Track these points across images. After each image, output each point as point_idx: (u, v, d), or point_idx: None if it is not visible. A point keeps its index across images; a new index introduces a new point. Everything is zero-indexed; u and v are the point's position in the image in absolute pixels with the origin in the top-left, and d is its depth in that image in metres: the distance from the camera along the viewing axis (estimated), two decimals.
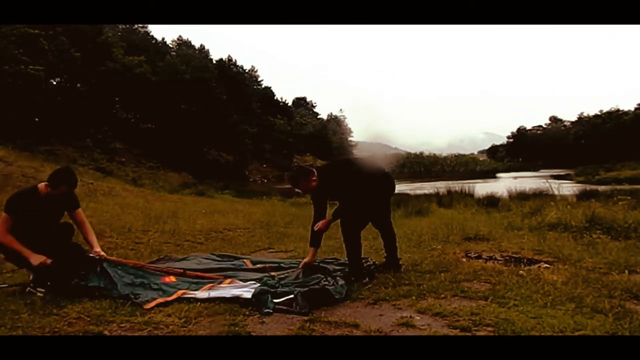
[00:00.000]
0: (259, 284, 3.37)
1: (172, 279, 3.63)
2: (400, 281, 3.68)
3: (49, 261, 3.29)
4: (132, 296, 3.16)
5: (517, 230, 6.62)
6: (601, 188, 13.42)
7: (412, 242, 5.62)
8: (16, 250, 3.28)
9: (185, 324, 2.69)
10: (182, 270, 3.82)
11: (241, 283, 3.55)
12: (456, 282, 3.70)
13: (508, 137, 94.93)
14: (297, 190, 4.02)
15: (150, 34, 56.17)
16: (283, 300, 3.07)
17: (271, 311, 2.96)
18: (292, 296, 3.09)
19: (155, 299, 3.17)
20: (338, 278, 3.51)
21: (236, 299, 3.13)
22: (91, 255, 3.50)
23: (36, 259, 3.27)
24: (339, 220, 3.88)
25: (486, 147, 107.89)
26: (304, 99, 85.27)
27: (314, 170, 3.91)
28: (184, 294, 3.27)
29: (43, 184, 3.43)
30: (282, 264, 4.22)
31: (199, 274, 3.83)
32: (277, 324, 2.74)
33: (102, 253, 3.56)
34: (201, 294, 3.27)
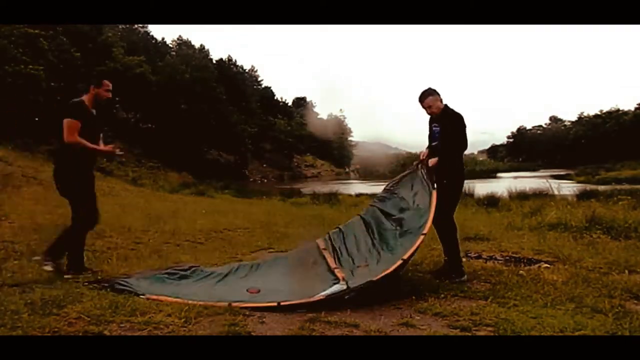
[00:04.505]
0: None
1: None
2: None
3: (118, 151, 3.85)
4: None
5: (517, 230, 6.62)
6: (601, 188, 13.41)
7: None
8: (87, 147, 3.63)
9: (185, 324, 2.68)
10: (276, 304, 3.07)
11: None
12: (456, 282, 3.70)
13: (508, 137, 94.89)
14: (423, 106, 3.88)
15: (150, 34, 56.11)
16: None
17: None
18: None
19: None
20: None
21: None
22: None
23: (107, 147, 3.78)
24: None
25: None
26: (304, 99, 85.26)
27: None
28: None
29: (85, 96, 3.82)
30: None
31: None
32: (277, 324, 2.74)
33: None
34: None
